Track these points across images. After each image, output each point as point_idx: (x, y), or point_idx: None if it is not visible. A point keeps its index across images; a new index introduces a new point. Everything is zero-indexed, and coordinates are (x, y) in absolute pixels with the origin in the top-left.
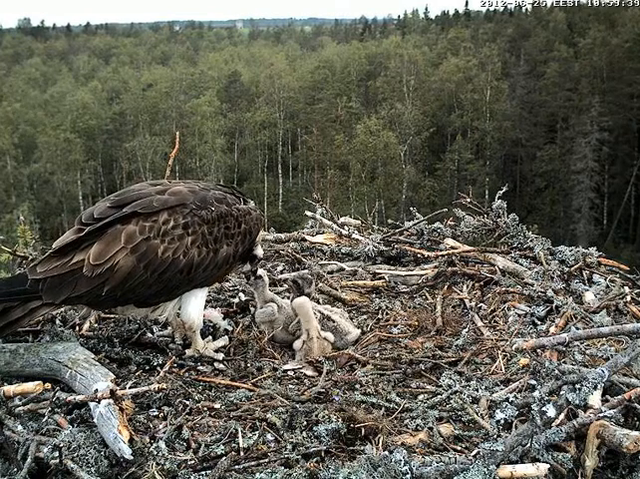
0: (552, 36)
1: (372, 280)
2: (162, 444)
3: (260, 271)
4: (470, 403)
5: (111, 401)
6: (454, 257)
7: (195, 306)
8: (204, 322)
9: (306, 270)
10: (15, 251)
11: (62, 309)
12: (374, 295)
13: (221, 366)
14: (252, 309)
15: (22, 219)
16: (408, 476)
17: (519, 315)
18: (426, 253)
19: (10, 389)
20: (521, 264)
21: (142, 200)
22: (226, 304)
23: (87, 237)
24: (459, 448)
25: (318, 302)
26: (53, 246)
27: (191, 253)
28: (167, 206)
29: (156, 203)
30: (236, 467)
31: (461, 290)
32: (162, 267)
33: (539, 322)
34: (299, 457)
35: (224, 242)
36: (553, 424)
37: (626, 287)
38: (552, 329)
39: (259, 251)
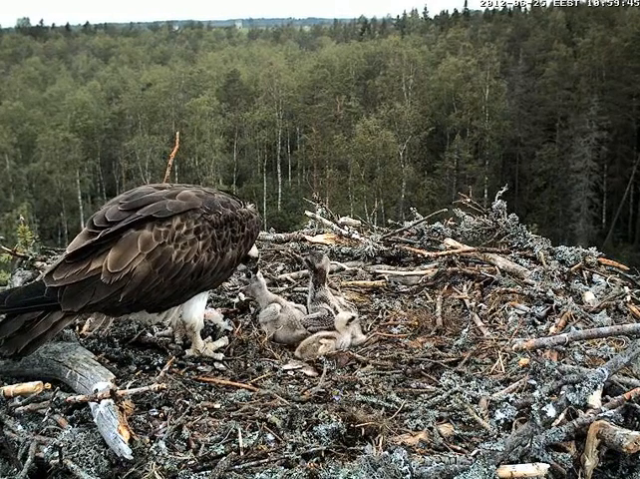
0: (551, 35)
1: (372, 280)
2: (162, 444)
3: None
4: (470, 403)
5: (111, 401)
6: (454, 257)
7: (198, 307)
8: (205, 323)
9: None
10: (15, 251)
11: None
12: (374, 295)
13: (221, 366)
14: (252, 309)
15: (22, 218)
16: (408, 476)
17: (519, 315)
18: (426, 253)
19: (10, 389)
20: (521, 264)
21: (155, 204)
22: (226, 304)
23: (101, 241)
24: (459, 448)
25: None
26: (66, 252)
27: (202, 258)
28: (180, 210)
29: (169, 207)
30: (236, 467)
31: (461, 290)
32: (176, 272)
33: (539, 322)
34: (299, 457)
35: (230, 246)
36: (553, 424)
37: (626, 287)
38: (552, 329)
39: (254, 251)
